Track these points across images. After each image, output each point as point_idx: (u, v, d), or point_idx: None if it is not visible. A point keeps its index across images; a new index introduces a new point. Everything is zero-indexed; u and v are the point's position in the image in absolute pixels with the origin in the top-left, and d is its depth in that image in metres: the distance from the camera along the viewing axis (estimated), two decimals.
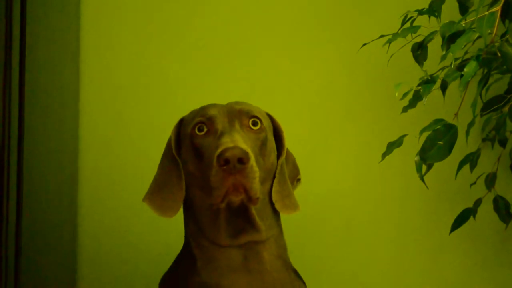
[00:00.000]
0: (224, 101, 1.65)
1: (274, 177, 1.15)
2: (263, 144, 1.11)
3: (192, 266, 1.11)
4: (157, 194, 1.14)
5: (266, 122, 1.15)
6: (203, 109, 1.14)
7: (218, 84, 1.68)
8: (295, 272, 1.18)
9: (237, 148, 1.00)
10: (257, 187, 1.03)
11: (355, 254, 1.66)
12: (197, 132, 1.11)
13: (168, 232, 1.62)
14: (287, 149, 1.21)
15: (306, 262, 1.65)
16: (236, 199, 1.05)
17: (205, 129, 1.10)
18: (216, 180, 1.01)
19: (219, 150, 1.01)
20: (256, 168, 1.03)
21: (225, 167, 1.00)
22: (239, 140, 1.04)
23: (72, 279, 1.59)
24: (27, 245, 1.21)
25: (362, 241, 1.66)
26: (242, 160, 1.00)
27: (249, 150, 1.02)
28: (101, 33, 1.68)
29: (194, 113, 1.15)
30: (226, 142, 1.03)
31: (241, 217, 1.09)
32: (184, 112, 1.64)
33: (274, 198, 1.13)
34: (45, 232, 1.36)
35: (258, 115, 1.13)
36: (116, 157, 1.65)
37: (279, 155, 1.17)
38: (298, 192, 1.38)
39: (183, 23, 1.69)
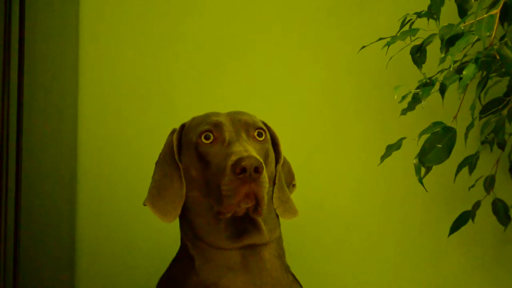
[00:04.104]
0: (222, 103, 1.65)
1: (274, 183, 1.16)
2: (266, 155, 1.13)
3: (190, 266, 1.12)
4: (158, 198, 1.14)
5: (267, 132, 1.16)
6: (208, 117, 1.14)
7: (216, 86, 1.68)
8: (293, 275, 1.18)
9: (253, 158, 1.00)
10: (266, 197, 1.04)
11: (354, 256, 1.66)
12: (203, 140, 1.11)
13: (167, 233, 1.62)
14: (283, 155, 1.22)
15: (305, 264, 1.65)
16: (245, 206, 1.05)
17: (212, 138, 1.10)
18: (230, 188, 1.01)
19: (234, 158, 1.02)
20: (267, 178, 1.04)
21: (241, 176, 1.00)
22: (251, 150, 1.05)
23: (70, 279, 1.58)
24: (25, 246, 1.21)
25: (361, 244, 1.66)
26: (258, 169, 1.00)
27: (262, 160, 1.03)
28: (100, 34, 1.68)
29: (198, 121, 1.15)
30: (240, 151, 1.03)
31: (245, 221, 1.09)
32: (182, 113, 1.64)
33: (275, 204, 1.14)
34: (44, 233, 1.35)
35: (262, 126, 1.14)
36: (115, 158, 1.65)
37: (276, 162, 1.18)
38: (297, 195, 1.38)
39: (182, 25, 1.69)
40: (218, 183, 1.04)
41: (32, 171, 1.26)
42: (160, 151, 1.23)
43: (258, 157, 1.02)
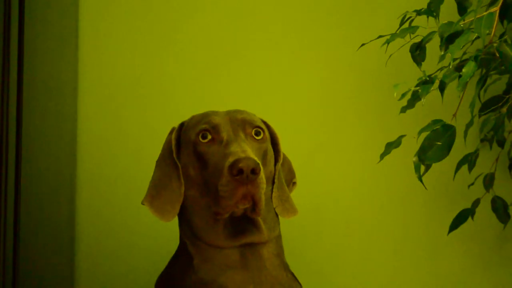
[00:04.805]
0: (222, 102, 1.65)
1: (273, 182, 1.16)
2: (264, 154, 1.12)
3: (188, 264, 1.12)
4: (157, 197, 1.14)
5: (266, 131, 1.15)
6: (206, 116, 1.14)
7: (215, 86, 1.68)
8: (292, 274, 1.18)
9: (250, 159, 1.00)
10: (263, 198, 1.04)
11: (354, 254, 1.66)
12: (201, 140, 1.10)
13: (166, 232, 1.62)
14: (283, 153, 1.22)
15: (305, 263, 1.65)
16: (243, 207, 1.05)
17: (209, 137, 1.10)
18: (227, 189, 1.01)
19: (231, 159, 1.01)
20: (264, 179, 1.04)
21: (238, 177, 1.00)
22: (248, 150, 1.04)
23: (70, 280, 1.58)
24: (25, 247, 1.21)
25: (361, 242, 1.66)
26: (255, 170, 1.00)
27: (259, 161, 1.02)
28: (100, 34, 1.68)
29: (197, 120, 1.15)
30: (237, 152, 1.03)
31: (244, 220, 1.09)
32: (182, 112, 1.65)
33: (274, 203, 1.14)
34: (43, 233, 1.35)
35: (260, 125, 1.13)
36: (114, 157, 1.65)
37: (275, 161, 1.18)
38: (297, 193, 1.38)
39: (182, 25, 1.69)
40: (216, 184, 1.04)
41: (32, 170, 1.26)
42: (159, 150, 1.24)
43: (255, 158, 1.02)
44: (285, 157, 1.23)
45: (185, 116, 1.30)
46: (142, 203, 1.14)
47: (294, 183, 1.24)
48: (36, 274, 1.30)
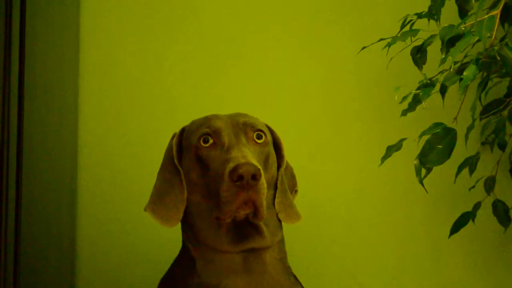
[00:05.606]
0: (223, 102, 1.65)
1: (275, 187, 1.15)
2: (266, 158, 1.12)
3: (191, 267, 1.11)
4: (159, 203, 1.13)
5: (268, 135, 1.15)
6: (208, 120, 1.13)
7: (217, 87, 1.68)
8: (295, 277, 1.18)
9: (250, 165, 0.99)
10: (265, 203, 1.04)
11: (355, 258, 1.66)
12: (202, 144, 1.10)
13: (167, 235, 1.62)
14: (286, 160, 1.21)
15: (306, 266, 1.64)
16: (244, 213, 1.05)
17: (211, 141, 1.10)
18: (228, 195, 1.01)
19: (232, 165, 1.01)
20: (265, 185, 1.03)
21: (238, 183, 0.99)
22: (249, 155, 1.04)
23: (71, 282, 1.58)
24: (26, 250, 1.21)
25: (362, 245, 1.66)
26: (255, 176, 0.99)
27: (260, 166, 1.02)
28: (101, 35, 1.68)
29: (198, 124, 1.14)
30: (237, 157, 1.02)
31: (246, 225, 1.09)
32: (183, 114, 1.65)
33: (277, 209, 1.14)
34: (44, 236, 1.35)
35: (262, 128, 1.13)
36: (116, 160, 1.65)
37: (278, 166, 1.17)
38: (297, 196, 1.38)
39: (182, 25, 1.69)
40: (217, 188, 1.03)
41: (33, 173, 1.26)
42: (160, 152, 1.23)
43: (256, 163, 1.01)
44: (287, 164, 1.23)
45: (186, 118, 1.30)
46: (145, 210, 1.14)
47: (296, 191, 1.24)
48: (37, 277, 1.30)
